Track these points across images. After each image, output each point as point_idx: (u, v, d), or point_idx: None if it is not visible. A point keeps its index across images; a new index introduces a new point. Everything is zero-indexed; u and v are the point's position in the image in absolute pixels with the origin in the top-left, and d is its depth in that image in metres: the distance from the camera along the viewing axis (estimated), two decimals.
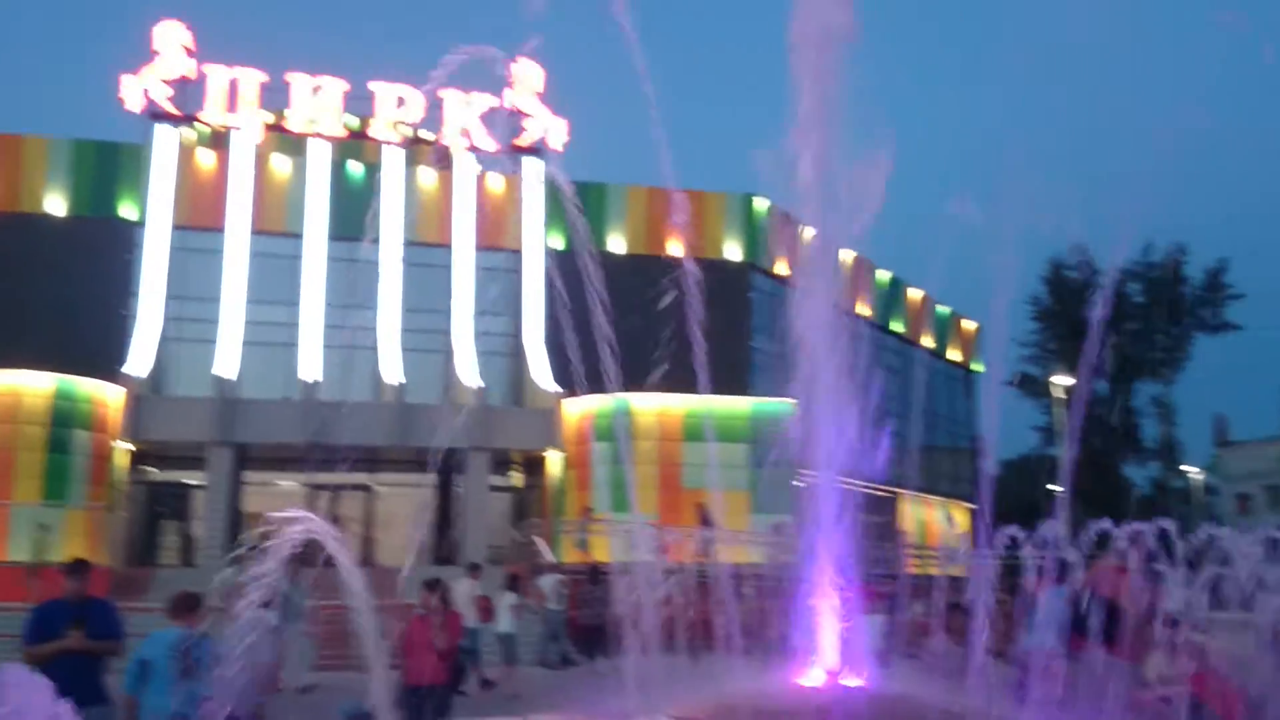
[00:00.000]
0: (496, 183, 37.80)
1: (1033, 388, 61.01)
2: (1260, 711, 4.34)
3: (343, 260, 35.16)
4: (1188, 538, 4.10)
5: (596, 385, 6.21)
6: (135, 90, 35.44)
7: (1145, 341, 60.97)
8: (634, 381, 26.69)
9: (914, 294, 48.04)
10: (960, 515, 48.04)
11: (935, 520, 44.98)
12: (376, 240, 35.45)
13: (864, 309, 42.45)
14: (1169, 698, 4.22)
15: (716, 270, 34.55)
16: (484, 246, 36.29)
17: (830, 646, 5.27)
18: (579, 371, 6.50)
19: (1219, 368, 66.24)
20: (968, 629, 7.19)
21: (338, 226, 35.60)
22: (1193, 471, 65.31)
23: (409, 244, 36.10)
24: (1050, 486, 30.77)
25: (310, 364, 34.62)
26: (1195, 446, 73.36)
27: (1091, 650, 4.76)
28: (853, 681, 5.08)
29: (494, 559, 33.93)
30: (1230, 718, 4.81)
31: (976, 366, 54.58)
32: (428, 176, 37.10)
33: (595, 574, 24.18)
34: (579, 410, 33.04)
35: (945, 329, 51.15)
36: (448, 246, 36.57)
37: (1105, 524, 3.95)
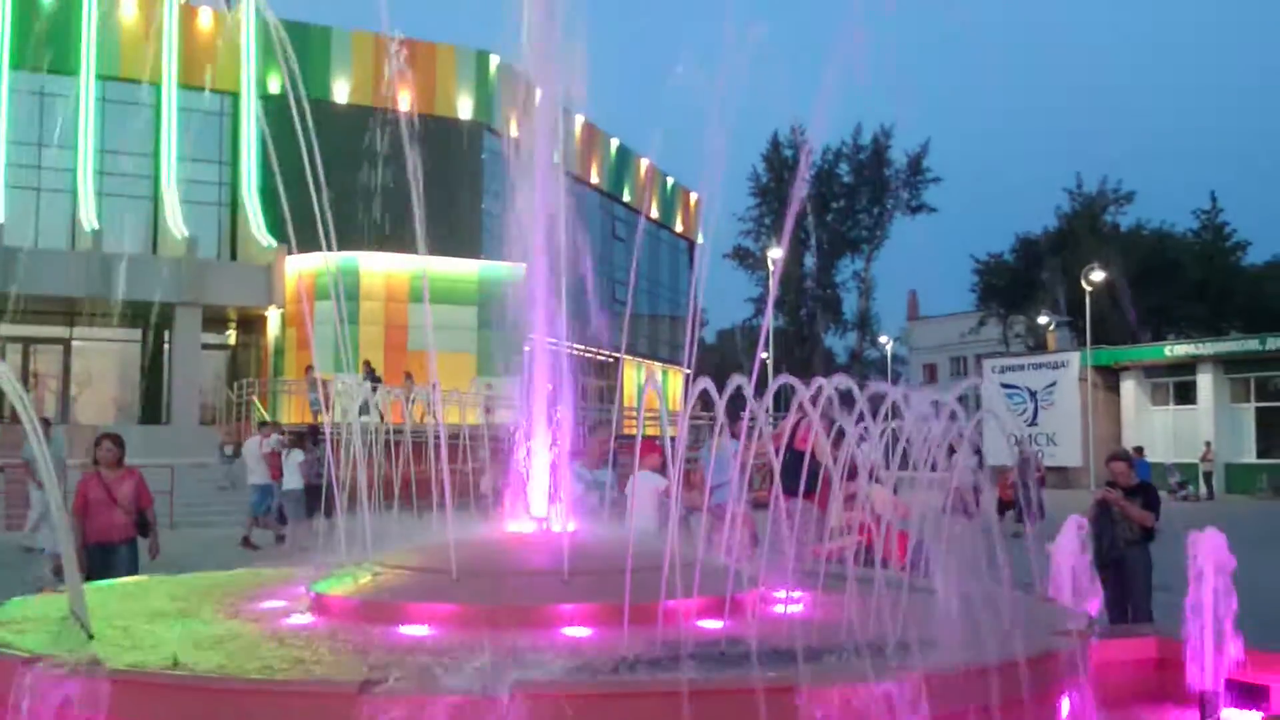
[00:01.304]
0: (206, 19, 35.19)
1: (749, 261, 63.72)
2: (919, 554, 4.86)
3: (31, 93, 32.09)
4: (866, 395, 4.48)
5: (317, 242, 6.02)
6: None
7: (850, 220, 64.56)
8: (360, 240, 25.89)
9: (643, 165, 48.67)
10: (675, 379, 49.97)
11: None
12: (69, 73, 32.43)
13: (595, 177, 42.68)
14: (843, 547, 4.66)
15: (447, 128, 33.78)
16: (192, 86, 33.82)
17: (540, 498, 5.49)
18: (297, 226, 6.28)
19: (914, 246, 71.09)
20: (665, 471, 7.79)
21: (24, 56, 32.32)
22: (886, 342, 70.35)
23: (107, 78, 33.23)
24: (760, 354, 32.42)
25: None
26: (889, 319, 78.96)
27: (791, 502, 5.16)
28: (560, 528, 5.32)
29: (205, 419, 32.76)
30: (894, 558, 5.36)
31: (700, 239, 56.27)
32: (129, 7, 34.10)
33: (315, 434, 23.78)
34: (300, 268, 31.90)
35: (671, 201, 52.25)
36: (153, 84, 33.93)
37: (788, 379, 4.25)
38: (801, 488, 4.80)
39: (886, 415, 4.58)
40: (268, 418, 27.38)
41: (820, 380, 4.36)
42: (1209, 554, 6.72)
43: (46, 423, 19.55)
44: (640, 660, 3.71)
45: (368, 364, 28.71)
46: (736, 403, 4.20)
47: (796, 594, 4.88)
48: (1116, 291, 46.44)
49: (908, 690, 3.48)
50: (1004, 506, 15.37)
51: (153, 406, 32.63)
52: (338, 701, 3.31)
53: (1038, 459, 27.82)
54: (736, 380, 4.12)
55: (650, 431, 28.65)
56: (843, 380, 4.45)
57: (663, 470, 8.34)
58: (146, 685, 3.52)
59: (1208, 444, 38.91)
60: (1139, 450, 30.17)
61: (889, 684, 3.48)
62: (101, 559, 8.73)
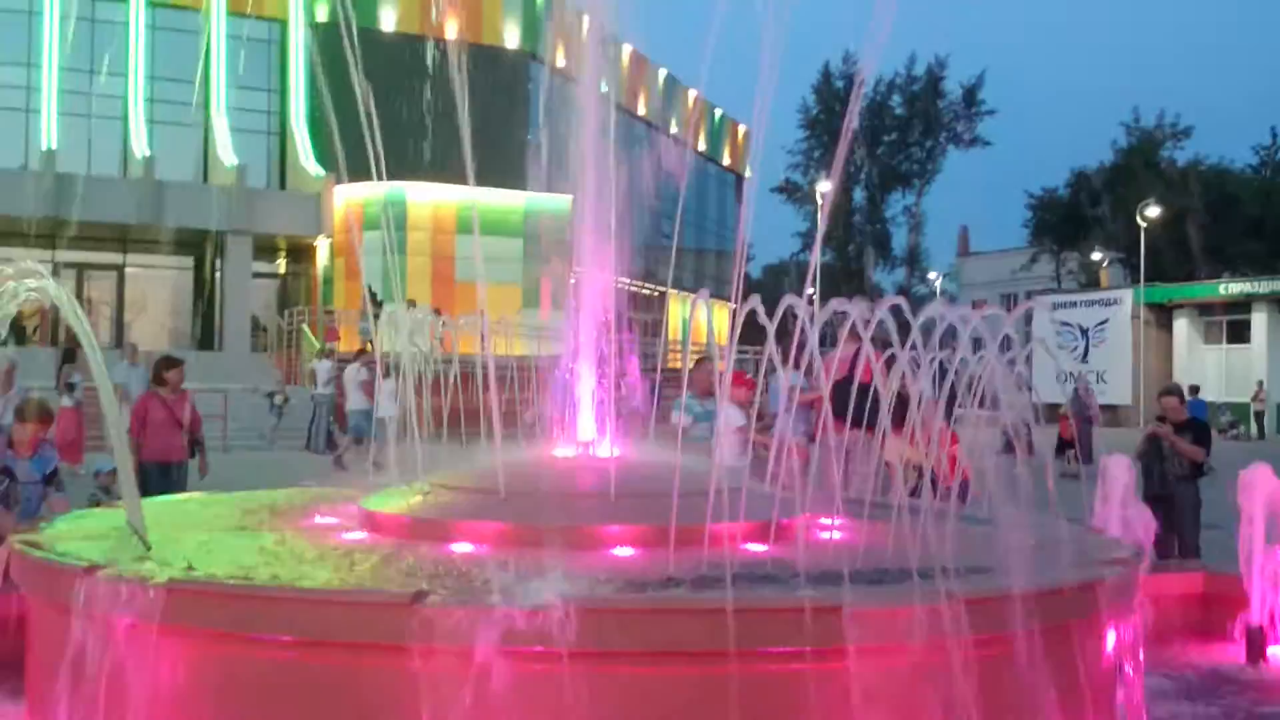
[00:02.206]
0: None
1: (797, 195, 63.07)
2: (980, 483, 4.82)
3: (82, 19, 32.18)
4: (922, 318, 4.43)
5: (366, 171, 6.02)
6: None
7: (902, 153, 63.62)
8: (407, 170, 25.91)
9: (691, 96, 48.12)
10: (722, 314, 49.82)
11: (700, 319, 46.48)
12: None
13: (642, 108, 42.29)
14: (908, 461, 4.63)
15: (494, 57, 33.55)
16: (241, 13, 33.74)
17: (587, 425, 5.52)
18: (346, 156, 6.29)
19: (967, 180, 70.06)
20: (714, 387, 7.78)
21: None
22: (935, 278, 69.59)
23: (157, 5, 33.24)
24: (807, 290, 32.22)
25: (48, 131, 32.03)
26: (939, 255, 78.01)
27: (852, 433, 5.14)
28: (605, 453, 5.36)
29: (257, 346, 33.19)
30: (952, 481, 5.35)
31: (748, 172, 55.74)
32: None
33: (365, 361, 24.03)
34: (349, 197, 31.96)
35: (719, 133, 51.72)
36: (202, 11, 33.92)
37: (842, 303, 4.21)
38: (864, 420, 4.76)
39: (940, 343, 4.54)
40: (319, 345, 27.70)
41: (873, 305, 4.32)
42: (1259, 490, 6.66)
43: (134, 349, 20.04)
44: (686, 580, 3.74)
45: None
46: (786, 334, 4.18)
47: (843, 521, 4.90)
48: (1176, 227, 45.55)
49: (952, 613, 3.50)
50: (1063, 445, 15.21)
51: (206, 333, 33.10)
52: (391, 612, 3.38)
53: (1092, 398, 27.48)
54: (788, 300, 4.10)
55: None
56: (897, 303, 4.41)
57: (748, 404, 8.26)
58: (202, 594, 3.61)
59: (1260, 383, 38.33)
60: (1195, 389, 29.76)
61: (933, 606, 3.50)
62: (158, 478, 8.97)
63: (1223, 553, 7.67)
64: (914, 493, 4.79)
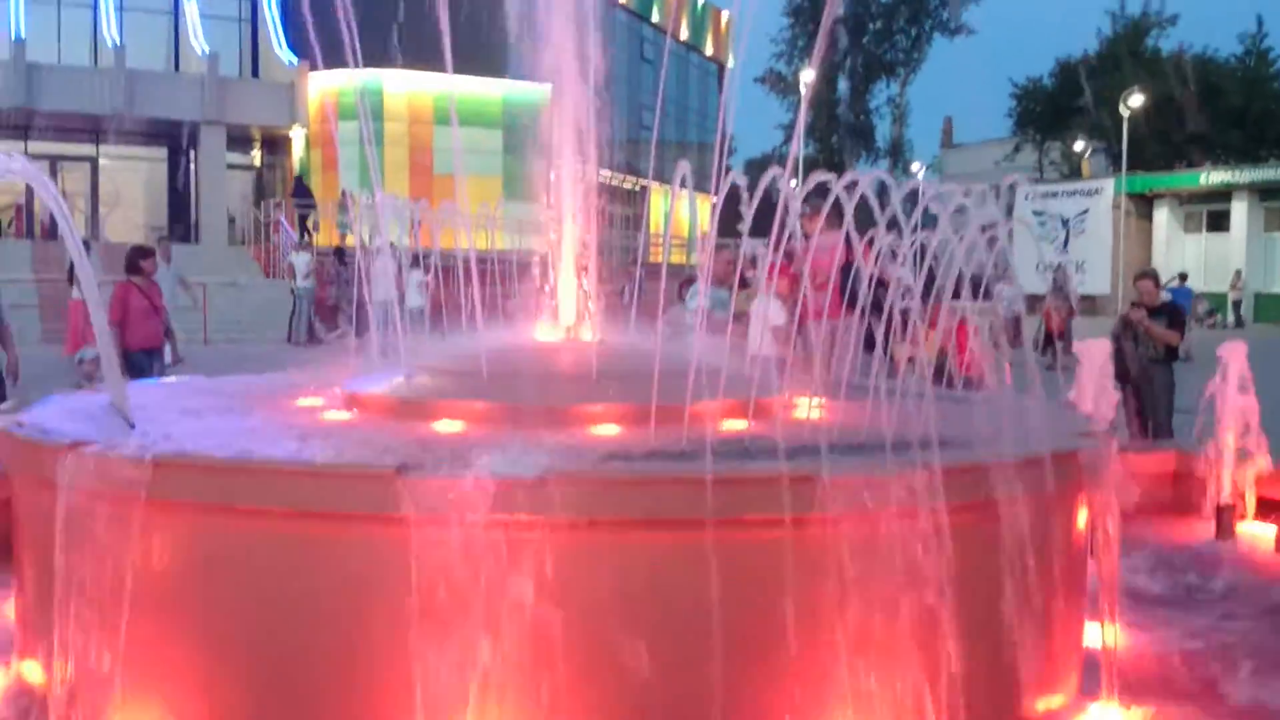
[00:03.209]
0: None
1: (781, 85, 62.21)
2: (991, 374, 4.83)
3: None
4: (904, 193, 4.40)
5: (339, 59, 5.88)
6: None
7: (887, 42, 62.69)
8: (383, 58, 25.49)
9: None
10: (703, 207, 49.56)
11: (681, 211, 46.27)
12: None
13: None
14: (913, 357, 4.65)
15: None
16: None
17: (568, 310, 5.53)
18: (320, 43, 6.14)
19: (952, 70, 69.20)
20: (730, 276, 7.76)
21: None
22: (918, 170, 69.13)
23: None
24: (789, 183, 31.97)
25: (17, 20, 31.21)
26: (923, 147, 77.48)
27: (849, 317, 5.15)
28: (588, 337, 5.39)
29: (234, 239, 32.92)
30: (969, 369, 5.38)
31: (730, 61, 54.88)
32: None
33: (341, 254, 23.91)
34: (324, 86, 31.43)
35: (701, 21, 50.79)
36: None
37: (821, 175, 4.17)
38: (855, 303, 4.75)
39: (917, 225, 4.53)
40: (298, 238, 27.52)
41: (854, 176, 4.29)
42: (1232, 365, 6.76)
43: (167, 248, 19.62)
44: (667, 453, 3.80)
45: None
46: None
47: (822, 401, 4.95)
48: (1159, 116, 45.25)
49: (927, 482, 3.57)
50: (1049, 339, 15.19)
51: (182, 226, 32.77)
52: (376, 483, 3.43)
53: (1074, 290, 27.47)
54: (773, 172, 4.07)
55: (675, 260, 28.59)
56: (879, 176, 4.39)
57: (790, 299, 8.16)
58: (187, 468, 3.65)
59: (1238, 272, 38.58)
60: (1183, 277, 29.89)
61: (908, 475, 3.57)
62: (142, 364, 9.06)
63: (1194, 438, 7.80)
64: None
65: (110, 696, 3.68)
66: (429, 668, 3.36)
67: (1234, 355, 6.86)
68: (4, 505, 4.56)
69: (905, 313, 4.31)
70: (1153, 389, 9.36)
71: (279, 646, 3.63)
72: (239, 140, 33.63)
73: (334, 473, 3.58)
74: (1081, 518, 4.50)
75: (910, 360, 4.37)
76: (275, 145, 34.77)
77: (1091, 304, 38.87)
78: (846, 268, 5.36)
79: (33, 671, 4.23)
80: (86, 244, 19.49)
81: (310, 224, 29.86)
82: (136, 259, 10.21)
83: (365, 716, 3.52)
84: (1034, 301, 22.49)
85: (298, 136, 33.41)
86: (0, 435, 4.31)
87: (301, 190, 30.81)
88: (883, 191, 4.31)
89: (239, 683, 3.68)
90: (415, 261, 8.09)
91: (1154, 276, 10.17)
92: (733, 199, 4.31)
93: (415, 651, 3.36)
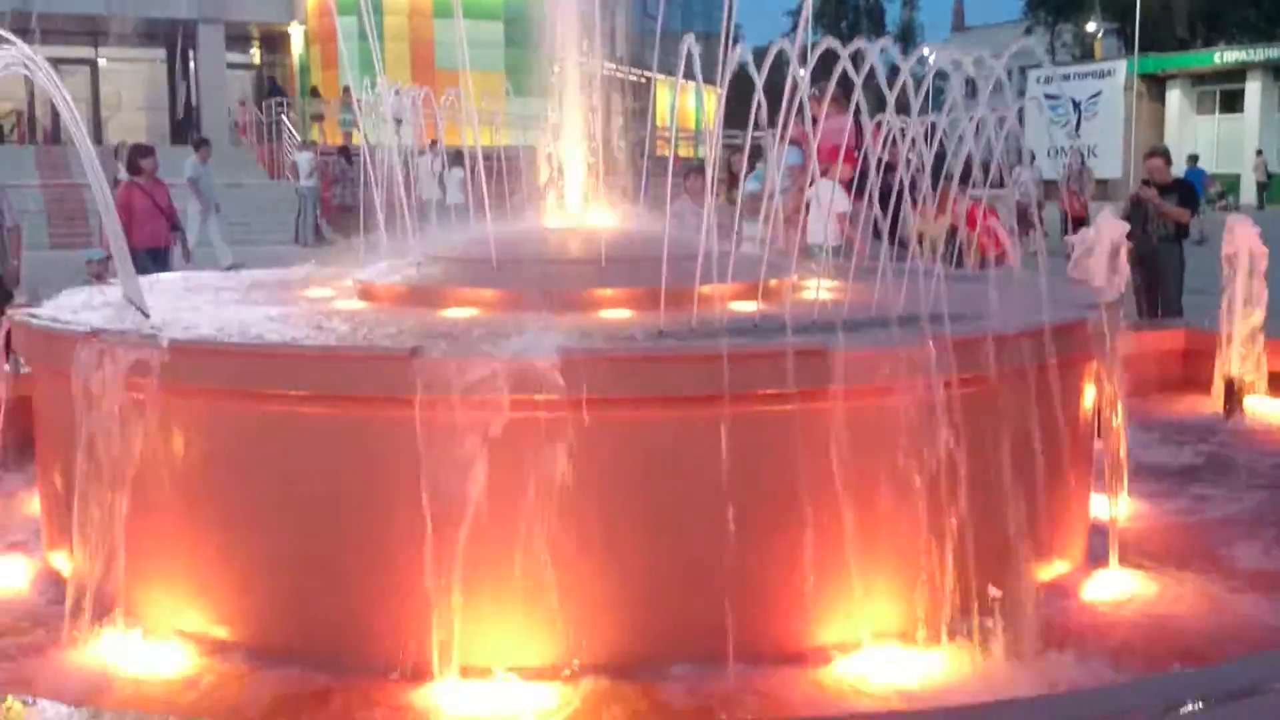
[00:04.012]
0: None
1: None
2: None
3: None
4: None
5: None
6: None
7: None
8: None
9: None
10: (709, 99, 48.78)
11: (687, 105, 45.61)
12: None
13: None
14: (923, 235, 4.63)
15: None
16: None
17: (577, 196, 5.52)
18: None
19: None
20: (703, 190, 7.71)
21: None
22: (928, 54, 67.78)
23: None
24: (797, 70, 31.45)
25: None
26: (933, 32, 75.92)
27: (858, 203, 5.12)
28: (600, 220, 5.39)
29: (235, 140, 32.64)
30: (983, 248, 5.37)
31: None
32: None
33: (346, 153, 23.74)
34: None
35: None
36: None
37: (831, 42, 4.11)
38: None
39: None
40: (299, 137, 27.31)
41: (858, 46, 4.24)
42: (1241, 239, 6.73)
43: (203, 143, 19.69)
44: (677, 333, 3.83)
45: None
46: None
47: (831, 282, 4.97)
48: None
49: (935, 354, 3.60)
50: (1076, 223, 15.03)
51: (184, 127, 32.50)
52: (391, 365, 3.47)
53: (1090, 172, 27.03)
54: (780, 44, 4.02)
55: (683, 153, 28.28)
56: (883, 44, 4.32)
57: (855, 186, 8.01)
58: (205, 353, 3.69)
59: (1258, 152, 38.02)
60: (1193, 159, 29.51)
61: (916, 347, 3.60)
62: (149, 264, 9.09)
63: (1203, 316, 7.81)
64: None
65: (136, 581, 3.77)
66: (444, 547, 3.41)
67: (1242, 229, 6.83)
68: (26, 404, 4.62)
69: (914, 190, 4.29)
70: (1163, 268, 9.33)
71: (299, 527, 3.71)
72: (238, 39, 33.13)
73: (349, 355, 3.62)
74: (1089, 389, 4.54)
75: (920, 238, 4.37)
76: (274, 43, 34.25)
77: (1103, 188, 38.44)
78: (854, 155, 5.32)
79: (60, 561, 4.34)
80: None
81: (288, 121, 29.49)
82: (136, 159, 10.21)
83: (383, 594, 3.61)
84: (1049, 187, 22.30)
85: (296, 34, 32.88)
86: (17, 327, 4.35)
87: (275, 90, 30.49)
88: (893, 73, 4.26)
89: (260, 562, 3.77)
90: (457, 159, 8.09)
91: (1164, 154, 10.05)
92: (740, 88, 4.27)
93: (432, 531, 3.41)
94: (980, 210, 5.90)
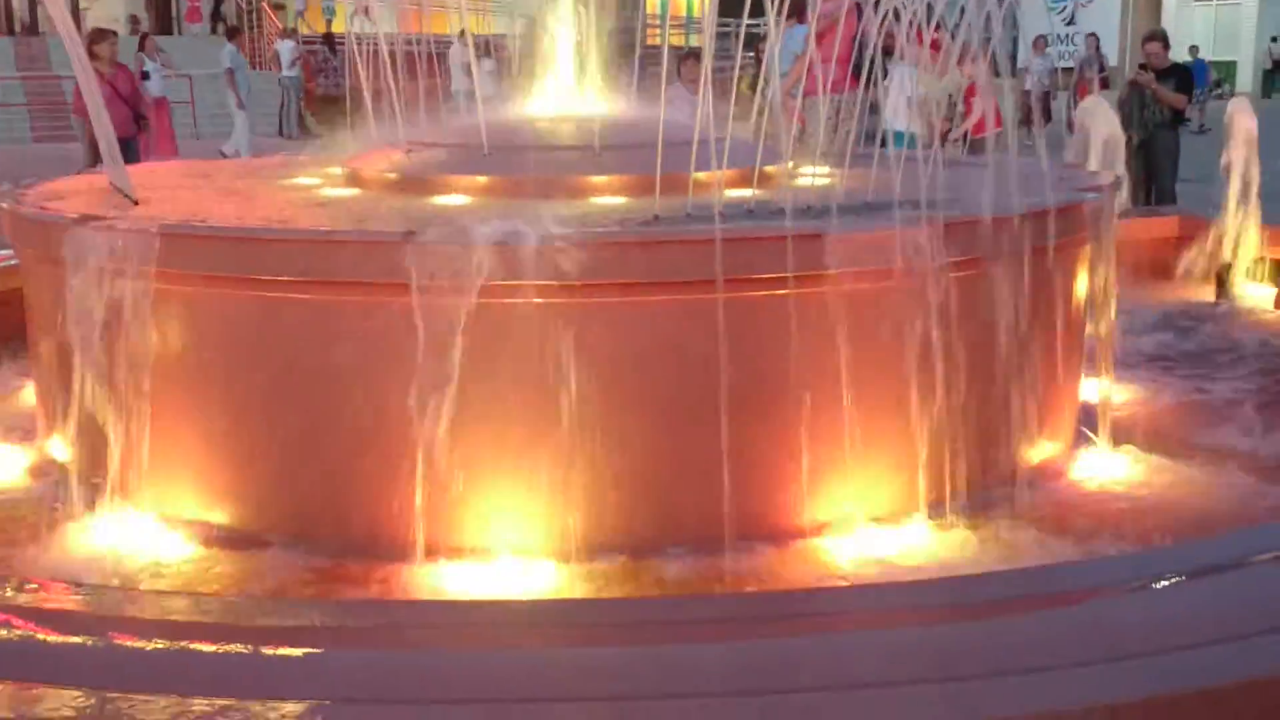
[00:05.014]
0: None
1: None
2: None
3: None
4: None
5: None
6: None
7: None
8: None
9: None
10: None
11: None
12: None
13: None
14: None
15: None
16: None
17: (569, 83, 5.43)
18: None
19: None
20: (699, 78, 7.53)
21: None
22: None
23: None
24: None
25: None
26: None
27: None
28: (594, 108, 5.30)
29: (216, 29, 31.93)
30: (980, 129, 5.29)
31: None
32: None
33: (330, 43, 23.27)
34: None
35: None
36: None
37: None
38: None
39: None
40: (282, 26, 26.73)
41: None
42: (1238, 120, 6.67)
43: (236, 31, 19.85)
44: (672, 218, 3.80)
45: None
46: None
47: (827, 168, 4.91)
48: None
49: (931, 236, 3.58)
50: None
51: (163, 18, 31.75)
52: (384, 249, 3.45)
53: (1102, 59, 26.55)
54: None
55: (675, 41, 27.69)
56: None
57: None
58: (196, 239, 3.65)
59: (1275, 39, 37.44)
60: (1194, 49, 29.10)
61: (911, 230, 3.58)
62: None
63: (1198, 204, 7.78)
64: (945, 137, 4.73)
65: (132, 467, 3.79)
66: (438, 432, 3.42)
67: (1239, 111, 6.76)
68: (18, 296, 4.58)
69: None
70: (1158, 153, 9.25)
71: (296, 413, 3.72)
72: None
73: (342, 240, 3.59)
74: (1083, 272, 4.53)
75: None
76: None
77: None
78: (853, 39, 5.22)
79: (56, 448, 4.35)
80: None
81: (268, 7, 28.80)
82: (91, 44, 9.80)
83: (382, 477, 3.63)
84: (1064, 76, 22.29)
85: None
86: (4, 214, 4.29)
87: None
88: None
89: (257, 447, 3.78)
90: (486, 50, 7.93)
91: (1162, 38, 9.90)
92: None
93: (428, 415, 3.42)
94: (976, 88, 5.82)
